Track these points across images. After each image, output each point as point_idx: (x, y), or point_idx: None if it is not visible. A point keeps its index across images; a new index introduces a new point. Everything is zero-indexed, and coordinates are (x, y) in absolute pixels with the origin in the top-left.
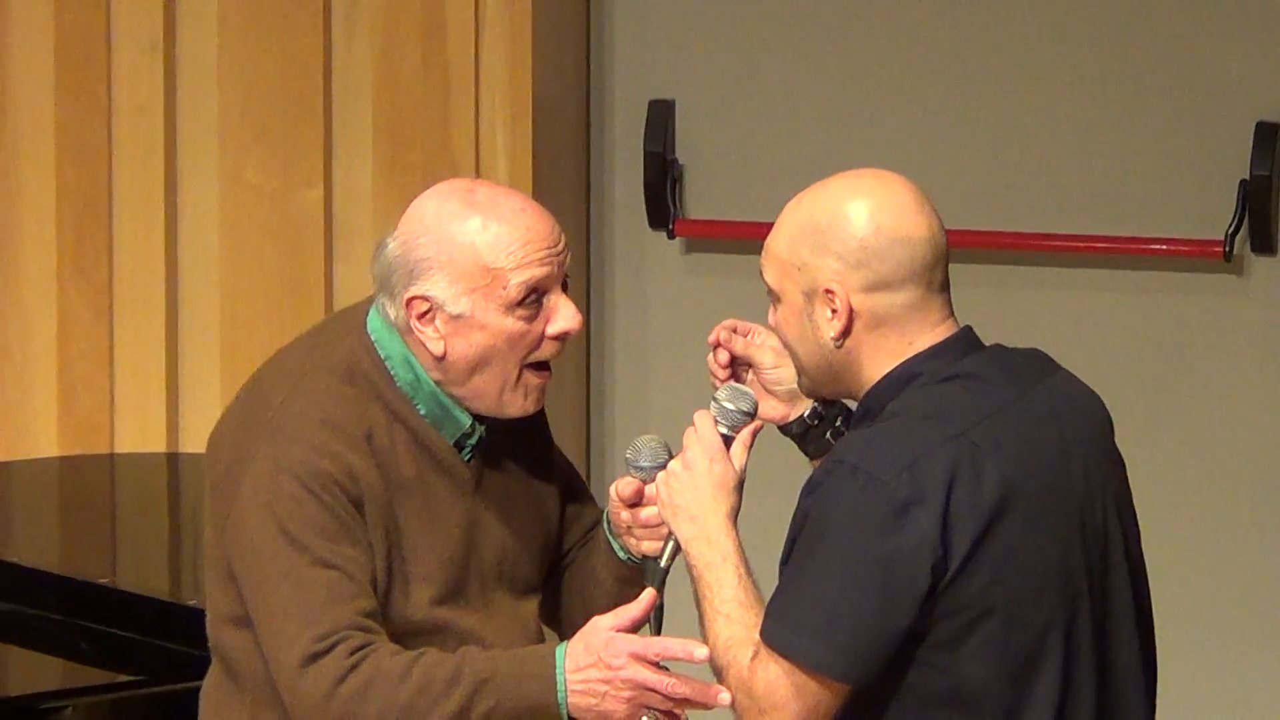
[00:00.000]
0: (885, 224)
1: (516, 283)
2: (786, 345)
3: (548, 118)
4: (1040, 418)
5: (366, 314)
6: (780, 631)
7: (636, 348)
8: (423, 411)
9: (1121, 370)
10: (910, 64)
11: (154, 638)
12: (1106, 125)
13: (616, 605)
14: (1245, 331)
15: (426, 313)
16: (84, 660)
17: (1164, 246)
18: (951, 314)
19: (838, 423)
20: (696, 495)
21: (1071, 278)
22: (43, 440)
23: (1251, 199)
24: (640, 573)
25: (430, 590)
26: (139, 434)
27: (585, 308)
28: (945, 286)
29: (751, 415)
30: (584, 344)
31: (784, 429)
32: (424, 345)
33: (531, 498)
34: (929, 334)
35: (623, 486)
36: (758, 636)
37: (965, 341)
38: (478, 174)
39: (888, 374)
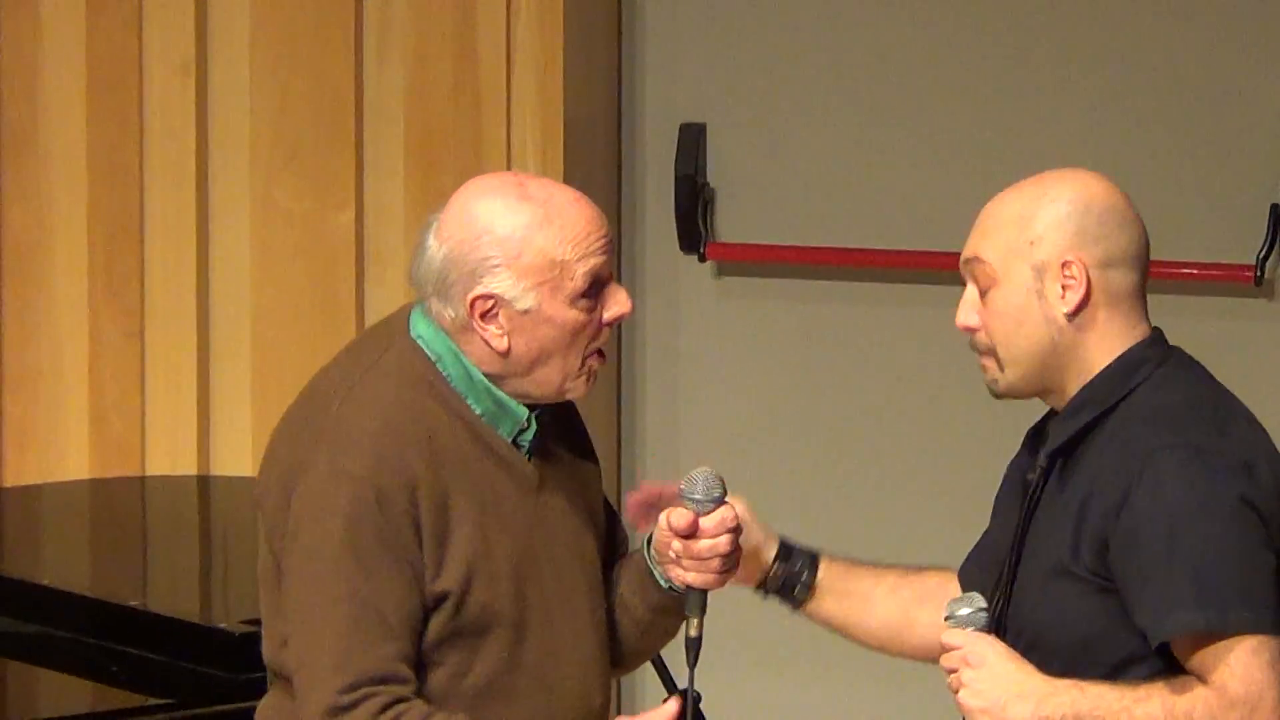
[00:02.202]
0: (1117, 204)
1: (582, 272)
2: (995, 336)
3: (579, 141)
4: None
5: (406, 320)
6: (1205, 617)
7: (668, 371)
8: (478, 410)
9: None
10: (942, 89)
11: (185, 661)
12: (1137, 149)
13: (646, 634)
14: (1277, 355)
15: (490, 310)
16: (115, 683)
17: (1194, 270)
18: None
19: (808, 568)
20: (999, 682)
21: None
22: (74, 462)
23: None
24: (677, 602)
25: (501, 589)
26: (170, 456)
27: (617, 330)
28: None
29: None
30: (615, 367)
31: (762, 587)
32: (485, 343)
33: (586, 495)
34: (1144, 324)
35: (676, 518)
36: (1166, 684)
37: (1164, 338)
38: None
39: (1117, 358)
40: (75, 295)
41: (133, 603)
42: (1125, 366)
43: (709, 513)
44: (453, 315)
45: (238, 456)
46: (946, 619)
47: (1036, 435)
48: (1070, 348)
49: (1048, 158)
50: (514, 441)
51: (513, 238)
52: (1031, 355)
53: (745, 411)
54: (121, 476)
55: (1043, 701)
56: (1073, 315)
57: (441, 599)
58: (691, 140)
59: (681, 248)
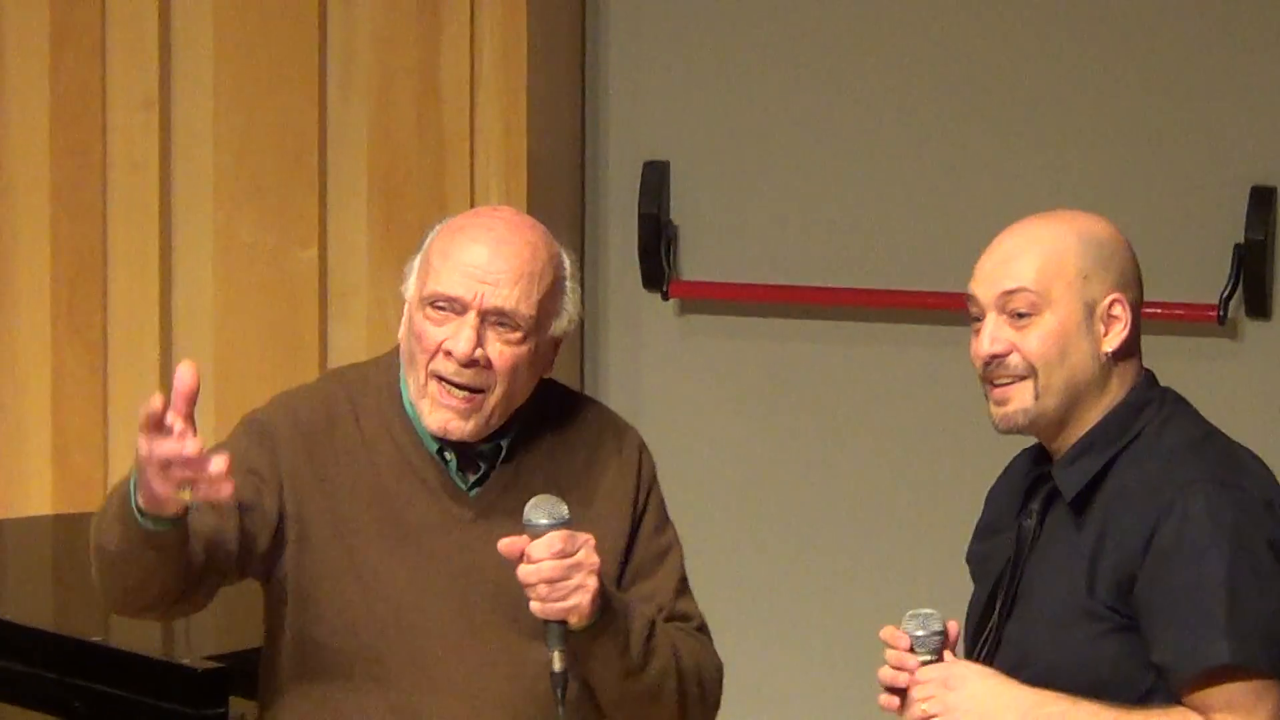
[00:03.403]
0: (1132, 250)
1: (431, 285)
2: (1037, 361)
3: (543, 178)
4: None
5: None
6: (1230, 648)
7: (630, 408)
8: (420, 433)
9: None
10: (908, 128)
11: (147, 696)
12: (1101, 188)
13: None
14: (1240, 395)
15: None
16: (78, 718)
17: (1158, 310)
18: None
19: None
20: (983, 699)
21: None
22: (37, 498)
23: (1246, 263)
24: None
25: (375, 605)
26: None
27: (579, 368)
28: None
29: (942, 634)
30: None
31: None
32: None
33: None
34: (1139, 361)
35: (502, 543)
36: (1181, 708)
37: (1155, 378)
38: None
39: (1122, 400)
40: (38, 329)
41: (95, 638)
42: (1130, 409)
43: (539, 536)
44: None
45: None
46: (913, 642)
47: (1022, 481)
48: (1098, 384)
49: (1013, 199)
50: (452, 471)
51: (440, 231)
52: (1071, 386)
53: (709, 449)
54: (85, 511)
55: (1029, 712)
56: (1115, 355)
57: (284, 582)
58: (655, 178)
59: (645, 285)
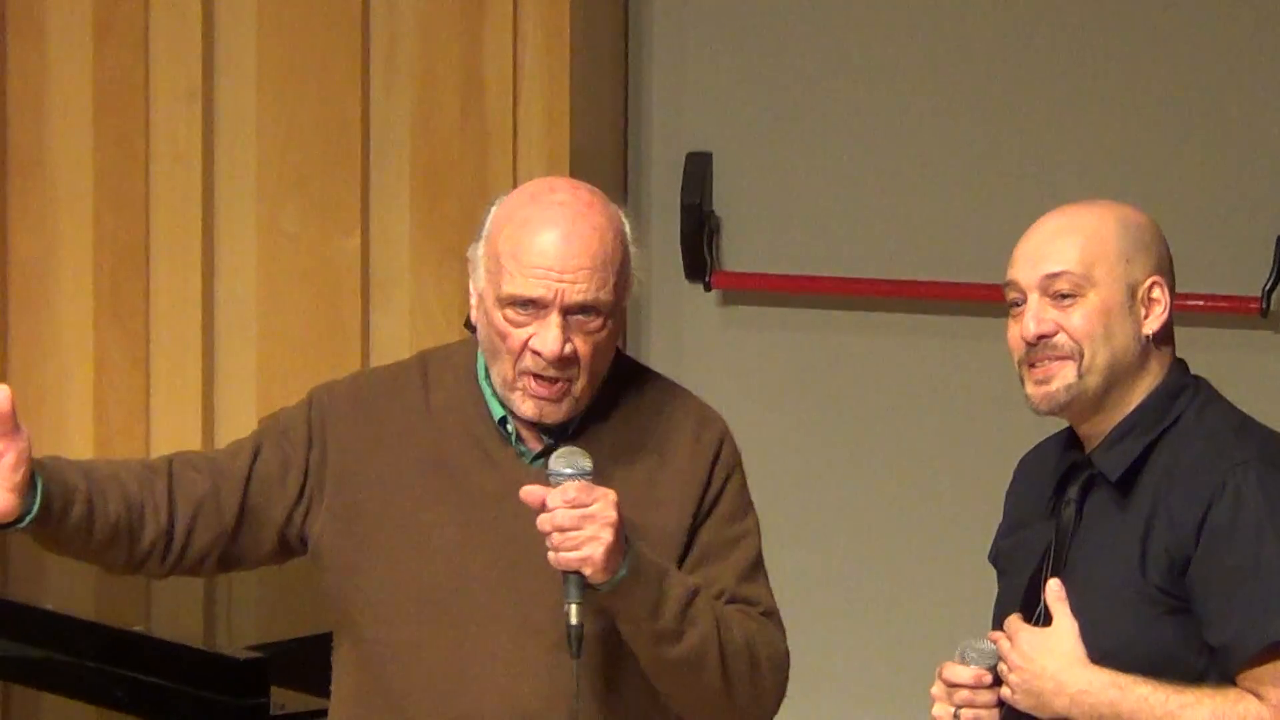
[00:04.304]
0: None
1: (507, 288)
2: (1083, 340)
3: (585, 169)
4: None
5: None
6: None
7: None
8: (489, 405)
9: None
10: (948, 120)
11: (188, 686)
12: (1141, 181)
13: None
14: None
15: (472, 275)
16: (119, 707)
17: (1200, 302)
18: None
19: None
20: (1039, 675)
21: None
22: None
23: None
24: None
25: (425, 567)
26: None
27: None
28: None
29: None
30: None
31: None
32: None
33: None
34: (1172, 345)
35: (523, 490)
36: (1236, 688)
37: (1187, 365)
38: None
39: (1159, 385)
40: (81, 321)
41: (137, 628)
42: (1168, 392)
43: (558, 485)
44: None
45: None
46: (960, 656)
47: (1051, 473)
48: (1137, 366)
49: (1054, 189)
50: (513, 442)
51: (498, 217)
52: (1114, 365)
53: (750, 440)
54: None
55: (1077, 699)
56: (1154, 337)
57: (328, 554)
58: (698, 169)
59: (687, 276)
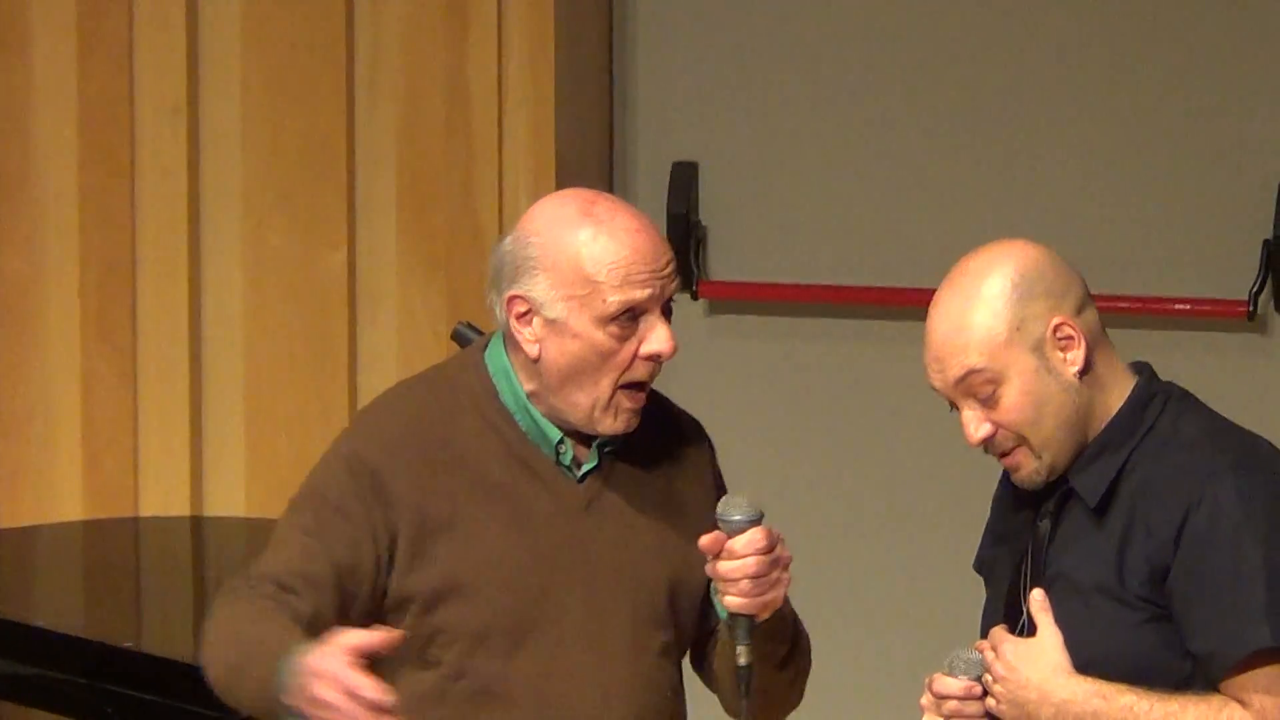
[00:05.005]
0: (1047, 253)
1: (614, 300)
2: (1023, 430)
3: (571, 180)
4: None
5: (488, 341)
6: (1272, 631)
7: None
8: (524, 427)
9: None
10: (934, 128)
11: (178, 701)
12: (1129, 185)
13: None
14: (1270, 390)
15: (526, 313)
16: None
17: (1187, 306)
18: None
19: None
20: (1024, 685)
21: None
22: (67, 504)
23: (1275, 258)
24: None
25: (504, 598)
26: (163, 497)
27: None
28: None
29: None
30: None
31: None
32: (521, 348)
33: (659, 532)
34: (1117, 354)
35: (703, 539)
36: (1220, 695)
37: (1145, 365)
38: (500, 236)
39: (1128, 398)
40: (67, 337)
41: (126, 644)
42: (1136, 405)
43: (739, 533)
44: (499, 313)
45: (231, 497)
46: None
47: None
48: (1089, 403)
49: (1040, 197)
50: (565, 462)
51: (557, 245)
52: (1063, 428)
53: (737, 448)
54: (115, 518)
55: (1062, 709)
56: (1083, 372)
57: (409, 598)
58: (684, 179)
59: None
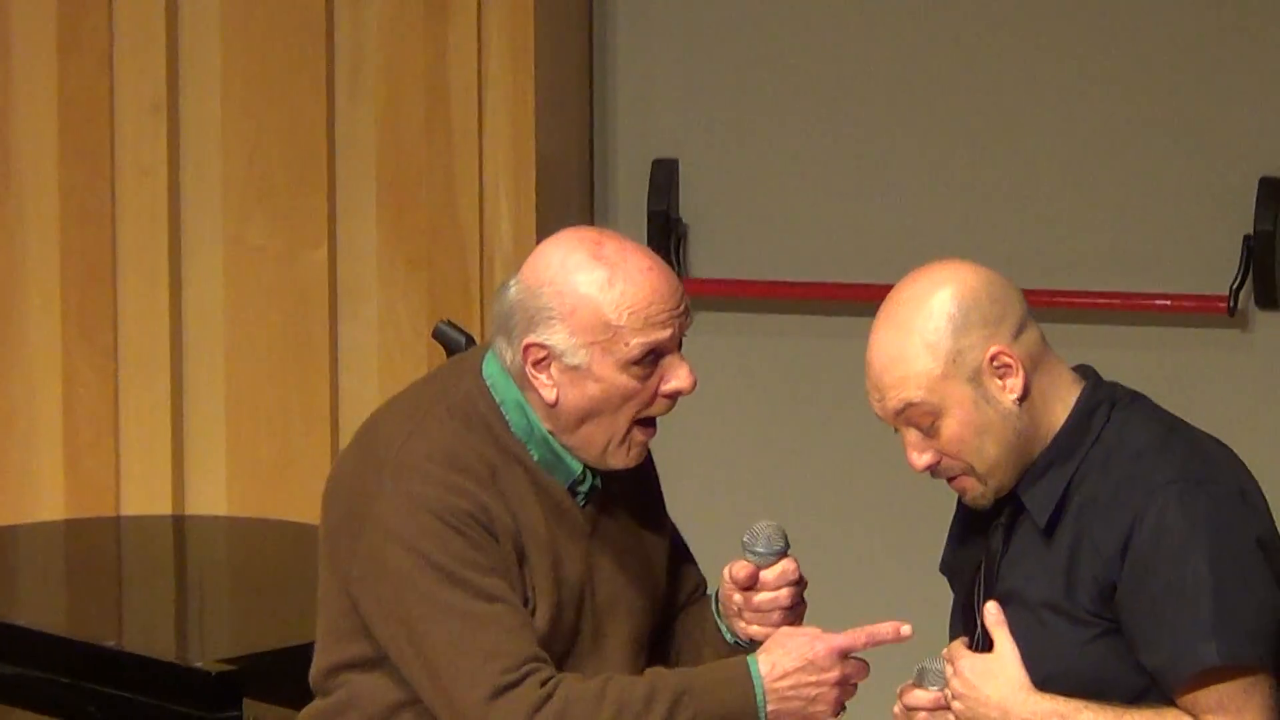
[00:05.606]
0: (986, 276)
1: (637, 343)
2: (966, 458)
3: (552, 177)
4: None
5: (482, 359)
6: (1219, 649)
7: None
8: (535, 457)
9: None
10: (916, 124)
11: (161, 700)
12: (1110, 180)
13: None
14: (1250, 386)
15: (543, 360)
16: None
17: (1168, 302)
18: None
19: None
20: (984, 703)
21: (1075, 334)
22: (48, 503)
23: (1255, 254)
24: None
25: (549, 629)
26: (145, 496)
27: None
28: None
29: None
30: None
31: None
32: (537, 392)
33: (643, 549)
34: (1063, 363)
35: (737, 570)
36: (1174, 709)
37: (1098, 374)
38: (481, 234)
39: (1071, 412)
40: (48, 336)
41: (109, 643)
42: (1081, 417)
43: (770, 565)
44: (510, 359)
45: (213, 496)
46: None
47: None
48: (1032, 426)
49: (1022, 194)
50: (570, 490)
51: (572, 294)
52: (1006, 454)
53: (720, 446)
54: (96, 517)
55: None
56: (1022, 398)
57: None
58: (664, 176)
59: None
